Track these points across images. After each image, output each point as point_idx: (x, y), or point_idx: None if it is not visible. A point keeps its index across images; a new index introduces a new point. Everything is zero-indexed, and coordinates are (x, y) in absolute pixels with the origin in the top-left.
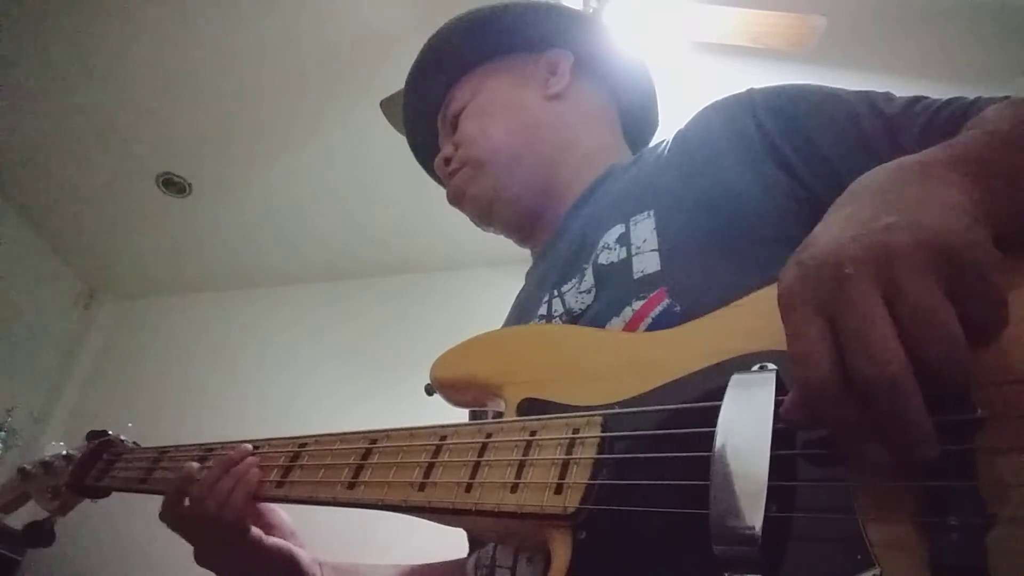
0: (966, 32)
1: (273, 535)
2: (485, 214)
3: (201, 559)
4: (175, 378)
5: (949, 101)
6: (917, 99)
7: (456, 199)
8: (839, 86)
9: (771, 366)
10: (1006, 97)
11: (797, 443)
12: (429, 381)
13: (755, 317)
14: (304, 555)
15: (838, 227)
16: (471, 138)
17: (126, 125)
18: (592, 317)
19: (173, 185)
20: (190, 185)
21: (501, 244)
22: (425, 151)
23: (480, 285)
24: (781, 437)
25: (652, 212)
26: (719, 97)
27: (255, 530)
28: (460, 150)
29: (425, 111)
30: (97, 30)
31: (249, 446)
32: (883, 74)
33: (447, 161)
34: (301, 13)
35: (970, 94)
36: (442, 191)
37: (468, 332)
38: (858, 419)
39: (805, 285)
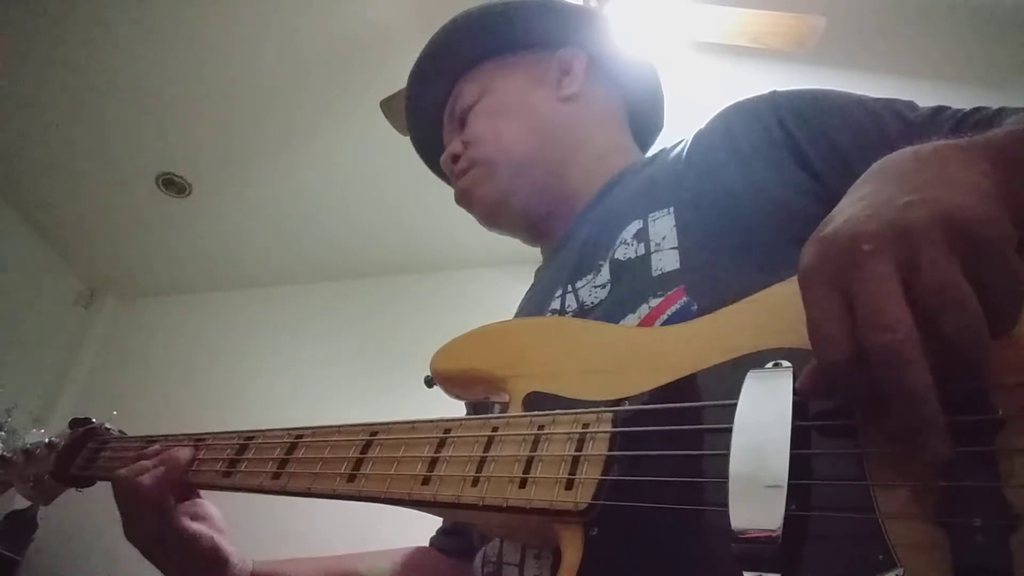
0: (965, 32)
1: (202, 524)
2: (494, 216)
3: (128, 535)
4: (175, 378)
5: (974, 110)
6: (941, 108)
7: (464, 200)
8: (839, 86)
9: (786, 363)
10: None
11: (815, 442)
12: (429, 373)
13: (767, 313)
14: (228, 547)
15: (856, 207)
16: (482, 139)
17: (126, 125)
18: (605, 311)
19: (173, 185)
20: (190, 185)
21: (502, 244)
22: (428, 145)
23: (481, 285)
24: (799, 435)
25: (672, 209)
26: (719, 97)
27: (183, 513)
28: (469, 149)
29: (430, 104)
30: (97, 30)
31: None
32: (883, 74)
33: (455, 159)
34: (301, 13)
35: (969, 94)
36: (442, 191)
37: None
38: (868, 392)
39: (824, 261)
